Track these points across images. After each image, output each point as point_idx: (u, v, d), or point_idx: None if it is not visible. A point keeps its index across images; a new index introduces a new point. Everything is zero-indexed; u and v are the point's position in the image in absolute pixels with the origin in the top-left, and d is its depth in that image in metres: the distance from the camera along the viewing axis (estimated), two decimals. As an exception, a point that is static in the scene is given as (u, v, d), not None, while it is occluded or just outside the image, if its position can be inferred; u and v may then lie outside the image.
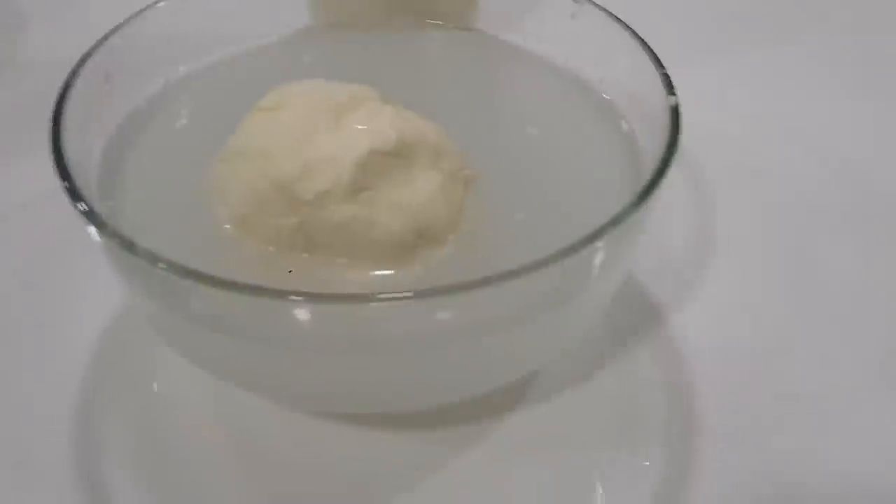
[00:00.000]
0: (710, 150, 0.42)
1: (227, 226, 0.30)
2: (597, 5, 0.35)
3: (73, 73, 0.31)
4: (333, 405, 0.31)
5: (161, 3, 0.35)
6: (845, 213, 0.41)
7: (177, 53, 0.36)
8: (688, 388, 0.33)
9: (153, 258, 0.24)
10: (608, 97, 0.35)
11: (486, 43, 0.39)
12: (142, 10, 0.34)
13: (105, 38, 0.32)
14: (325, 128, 0.29)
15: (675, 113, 0.30)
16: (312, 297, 0.24)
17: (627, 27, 0.34)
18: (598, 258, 0.27)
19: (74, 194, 0.27)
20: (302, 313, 0.25)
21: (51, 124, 0.29)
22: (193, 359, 0.30)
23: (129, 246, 0.25)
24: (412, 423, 0.32)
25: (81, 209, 0.26)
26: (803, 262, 0.38)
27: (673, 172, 0.28)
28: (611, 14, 0.34)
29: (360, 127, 0.29)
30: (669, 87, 0.31)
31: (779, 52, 0.51)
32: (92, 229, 0.26)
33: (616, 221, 0.26)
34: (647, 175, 0.31)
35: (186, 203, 0.31)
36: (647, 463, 0.31)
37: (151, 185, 0.32)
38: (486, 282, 0.24)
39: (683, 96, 0.30)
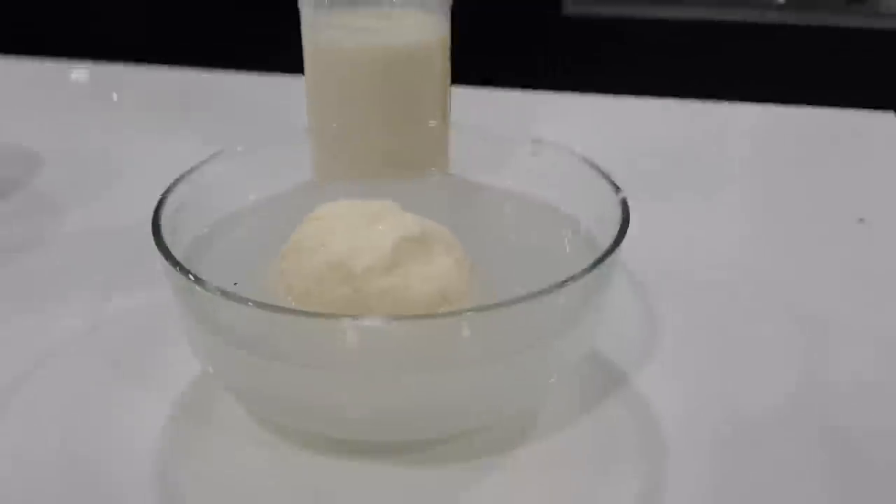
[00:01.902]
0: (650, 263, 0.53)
1: (291, 300, 0.38)
2: (552, 143, 0.46)
3: (160, 203, 0.40)
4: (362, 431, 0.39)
5: (208, 162, 0.44)
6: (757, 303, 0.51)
7: (222, 198, 0.45)
8: (654, 424, 0.42)
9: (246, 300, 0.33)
10: (569, 211, 0.45)
11: (462, 183, 0.50)
12: (197, 166, 0.44)
13: (174, 184, 0.42)
14: (364, 226, 0.39)
15: (624, 204, 0.40)
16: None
17: (579, 155, 0.45)
18: (582, 292, 0.36)
19: (177, 264, 0.35)
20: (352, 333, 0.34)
21: (153, 227, 0.38)
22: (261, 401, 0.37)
23: (228, 294, 0.34)
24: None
25: (183, 272, 0.35)
26: (725, 340, 0.48)
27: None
28: (562, 146, 0.46)
29: (391, 224, 0.39)
30: (617, 188, 0.41)
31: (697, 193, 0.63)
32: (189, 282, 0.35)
33: (596, 263, 0.36)
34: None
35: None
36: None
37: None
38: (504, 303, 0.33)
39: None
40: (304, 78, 0.55)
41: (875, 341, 0.48)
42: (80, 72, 0.83)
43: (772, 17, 1.59)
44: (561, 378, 0.40)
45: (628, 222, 0.39)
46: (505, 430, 0.41)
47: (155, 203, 0.40)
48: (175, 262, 0.36)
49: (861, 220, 0.60)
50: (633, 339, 0.48)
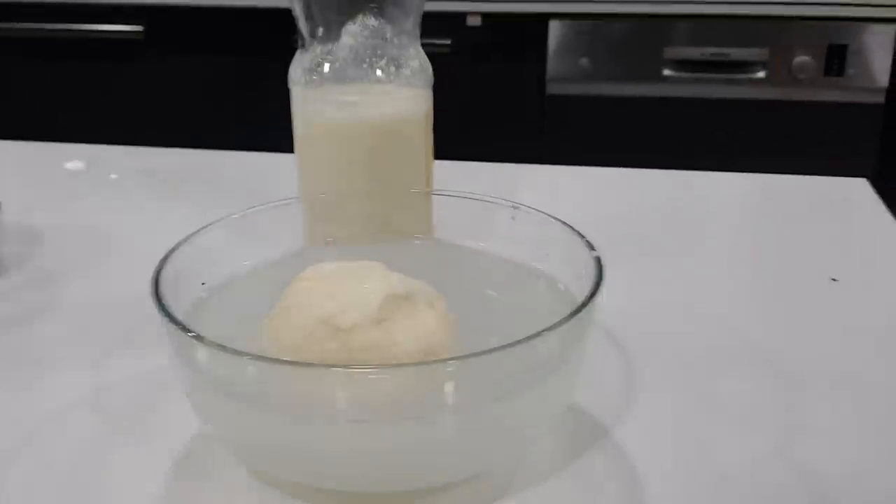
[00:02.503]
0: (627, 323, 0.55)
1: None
2: (529, 207, 0.49)
3: (160, 267, 0.42)
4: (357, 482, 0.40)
5: (204, 230, 0.46)
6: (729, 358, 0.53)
7: (216, 264, 0.47)
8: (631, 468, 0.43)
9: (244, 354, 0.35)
10: (547, 270, 0.47)
11: (445, 246, 0.52)
12: (195, 233, 0.46)
13: (173, 250, 0.44)
14: (351, 285, 0.41)
15: (598, 261, 0.42)
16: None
17: (556, 218, 0.47)
18: (559, 342, 0.38)
19: (177, 323, 0.37)
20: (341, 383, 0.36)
21: (153, 290, 0.40)
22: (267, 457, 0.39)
23: (231, 351, 0.35)
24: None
25: (183, 329, 0.36)
26: (704, 393, 0.50)
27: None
28: (540, 210, 0.48)
29: (377, 282, 0.41)
30: (591, 247, 0.43)
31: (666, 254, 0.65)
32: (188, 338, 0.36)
33: (575, 312, 0.38)
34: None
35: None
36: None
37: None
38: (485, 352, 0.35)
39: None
40: (292, 155, 0.58)
41: (849, 393, 0.50)
42: (78, 154, 0.86)
43: (751, 92, 1.64)
44: (541, 431, 0.42)
45: (602, 278, 0.41)
46: (486, 483, 0.42)
47: (151, 274, 0.42)
48: (174, 320, 0.38)
49: (833, 279, 0.62)
50: (612, 394, 0.49)
